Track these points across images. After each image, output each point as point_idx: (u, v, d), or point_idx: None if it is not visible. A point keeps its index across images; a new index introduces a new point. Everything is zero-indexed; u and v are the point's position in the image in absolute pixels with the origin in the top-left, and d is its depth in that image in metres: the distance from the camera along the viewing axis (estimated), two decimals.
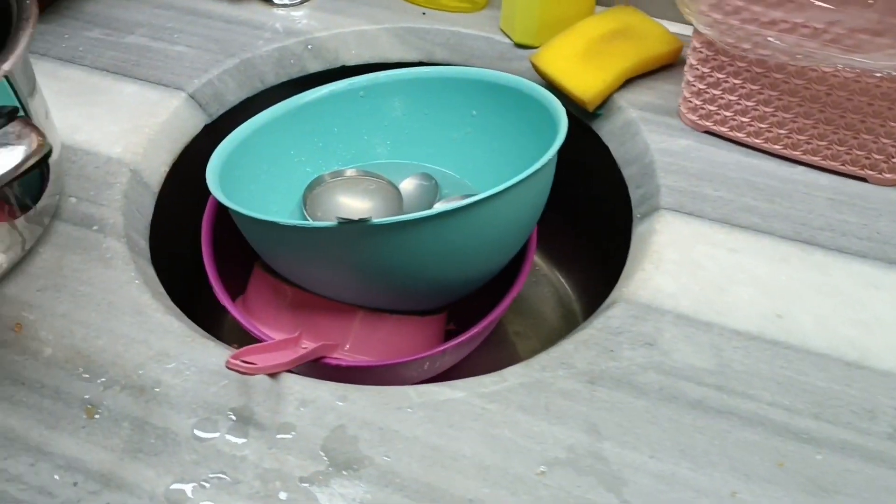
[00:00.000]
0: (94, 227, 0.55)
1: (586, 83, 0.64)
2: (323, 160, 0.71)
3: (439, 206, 0.67)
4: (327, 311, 0.60)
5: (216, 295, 0.59)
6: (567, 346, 0.49)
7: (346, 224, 0.51)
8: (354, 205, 0.69)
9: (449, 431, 0.44)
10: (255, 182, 0.66)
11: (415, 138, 0.72)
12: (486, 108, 0.68)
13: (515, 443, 0.44)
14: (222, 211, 0.64)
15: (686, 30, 0.71)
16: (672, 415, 0.45)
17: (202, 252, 0.61)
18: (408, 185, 0.70)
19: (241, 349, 0.47)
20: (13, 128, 0.39)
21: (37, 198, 0.51)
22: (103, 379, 0.46)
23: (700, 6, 0.55)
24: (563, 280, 0.79)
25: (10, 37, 0.45)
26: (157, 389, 0.46)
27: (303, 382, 0.47)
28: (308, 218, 0.66)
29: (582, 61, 0.65)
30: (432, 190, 0.69)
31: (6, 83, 0.45)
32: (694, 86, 0.60)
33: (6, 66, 0.43)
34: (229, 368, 0.44)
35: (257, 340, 0.58)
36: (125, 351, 0.48)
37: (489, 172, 0.69)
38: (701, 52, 0.58)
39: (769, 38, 0.53)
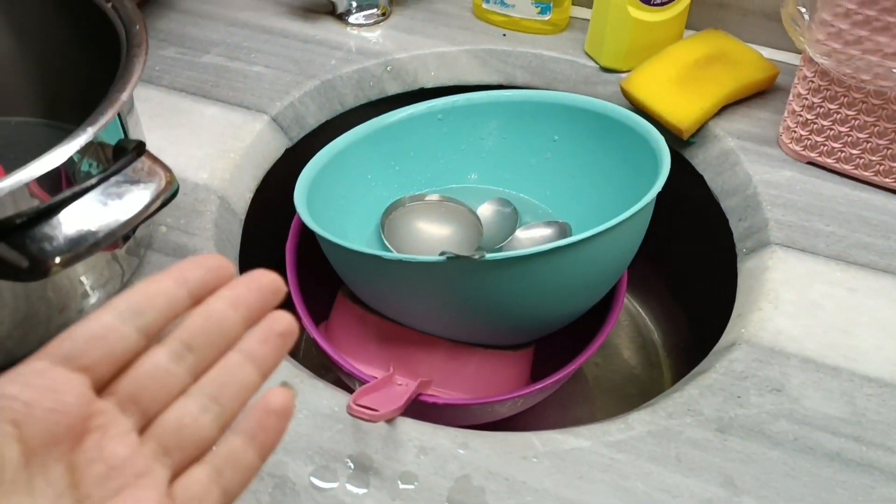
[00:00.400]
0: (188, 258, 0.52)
1: (682, 110, 0.62)
2: (399, 184, 0.69)
3: (521, 234, 0.65)
4: (414, 343, 0.58)
5: (304, 326, 0.57)
6: (692, 392, 0.47)
7: (456, 259, 0.49)
8: (434, 230, 0.67)
9: (579, 483, 0.42)
10: (335, 208, 0.64)
11: (492, 163, 0.70)
12: (569, 133, 0.66)
13: (650, 496, 0.42)
14: (304, 238, 0.62)
15: (778, 55, 0.69)
16: (810, 468, 0.43)
17: (288, 281, 0.59)
18: (485, 211, 0.68)
19: (355, 393, 0.45)
20: (142, 164, 0.38)
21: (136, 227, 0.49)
22: None
23: (817, 35, 0.53)
24: (639, 308, 0.77)
25: (123, 64, 0.43)
26: None
27: (420, 428, 0.45)
28: (386, 242, 0.64)
29: (677, 87, 0.63)
30: (512, 216, 0.67)
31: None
32: (801, 115, 0.58)
33: (123, 96, 0.41)
34: (352, 415, 0.42)
35: (340, 370, 0.56)
36: None
37: (569, 199, 0.67)
38: (813, 81, 0.56)
39: (894, 70, 0.51)
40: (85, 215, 0.36)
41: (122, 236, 0.47)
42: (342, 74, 0.68)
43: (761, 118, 0.64)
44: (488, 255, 0.47)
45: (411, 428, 0.45)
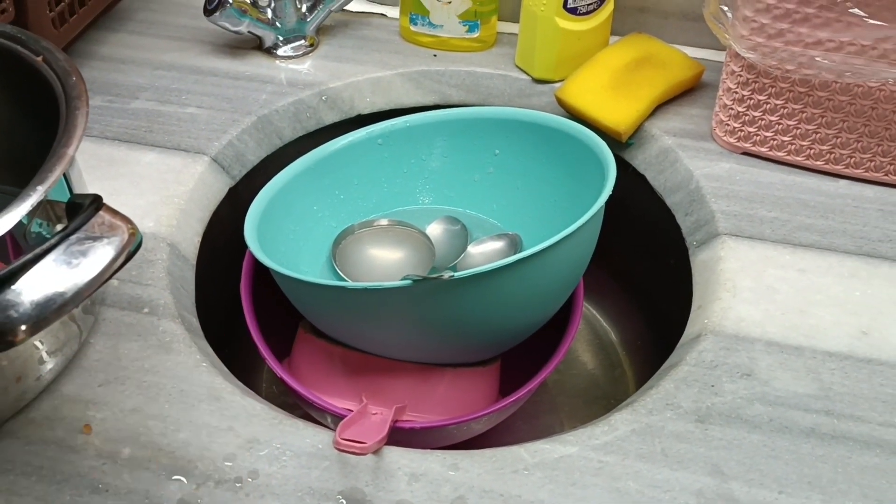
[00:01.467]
0: (145, 310, 0.51)
1: (619, 114, 0.64)
2: (346, 213, 0.68)
3: (472, 249, 0.66)
4: (383, 371, 0.57)
5: (269, 366, 0.56)
6: (668, 386, 0.48)
7: (423, 281, 0.49)
8: (386, 255, 0.67)
9: (572, 490, 0.42)
10: (285, 243, 0.63)
11: (437, 182, 0.70)
12: (509, 146, 0.67)
13: (643, 494, 0.42)
14: (256, 276, 0.61)
15: (699, 53, 0.72)
16: (789, 446, 0.44)
17: (247, 322, 0.58)
18: (434, 231, 0.68)
19: (339, 428, 0.45)
20: (101, 218, 0.36)
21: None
22: (194, 476, 0.43)
23: (741, 31, 0.56)
24: (593, 311, 0.78)
25: (65, 118, 0.42)
26: (254, 480, 0.43)
27: (408, 455, 0.44)
28: (339, 272, 0.63)
29: (610, 92, 0.65)
30: (461, 233, 0.68)
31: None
32: (732, 109, 0.61)
33: (70, 151, 0.40)
34: (340, 450, 0.42)
35: (311, 406, 0.55)
36: (210, 442, 0.44)
37: (516, 211, 0.68)
38: (741, 75, 0.59)
39: (816, 58, 0.53)
40: (49, 278, 0.34)
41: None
42: (278, 108, 0.68)
43: (693, 115, 0.66)
44: (457, 274, 0.47)
45: (399, 456, 0.44)
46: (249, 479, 0.43)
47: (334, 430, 0.45)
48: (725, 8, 0.56)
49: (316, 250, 0.66)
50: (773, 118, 0.59)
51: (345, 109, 0.70)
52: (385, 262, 0.66)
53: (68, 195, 0.44)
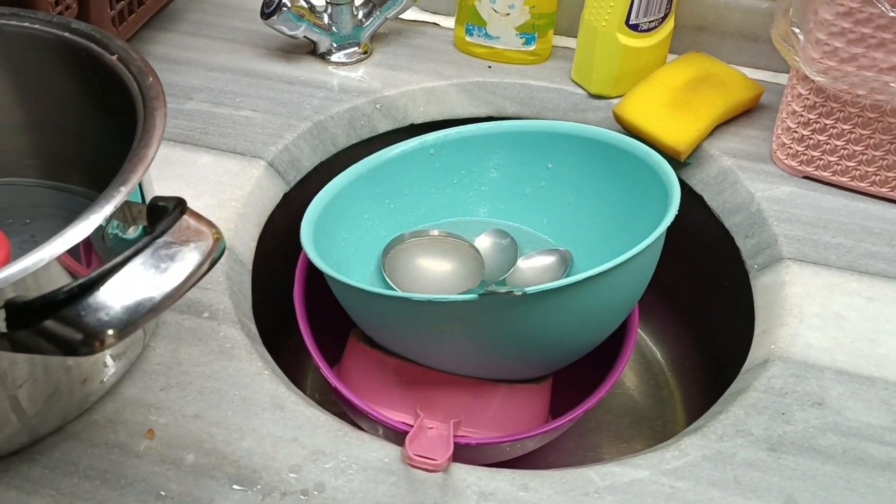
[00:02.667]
0: (205, 315, 0.50)
1: (678, 132, 0.63)
2: (394, 222, 0.68)
3: (522, 264, 0.65)
4: (438, 384, 0.57)
5: (323, 374, 0.55)
6: (737, 412, 0.47)
7: (491, 296, 0.48)
8: (435, 266, 0.66)
9: None
10: (338, 251, 0.63)
11: (487, 194, 0.69)
12: (563, 161, 0.66)
13: None
14: (309, 283, 0.61)
15: (756, 74, 0.71)
16: (865, 479, 0.44)
17: (300, 329, 0.57)
18: (483, 244, 0.67)
19: (408, 442, 0.44)
20: (186, 223, 0.36)
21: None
22: (259, 486, 0.42)
23: (812, 54, 0.55)
24: (639, 329, 0.77)
25: (144, 119, 0.41)
26: (321, 493, 0.42)
27: (476, 473, 0.43)
28: (388, 281, 0.63)
29: (670, 110, 0.64)
30: (511, 248, 0.67)
31: None
32: (796, 132, 0.60)
33: (151, 152, 0.39)
34: (413, 466, 0.41)
35: (364, 417, 0.54)
36: (275, 452, 0.44)
37: (567, 226, 0.67)
38: (808, 98, 0.58)
39: (890, 84, 0.53)
40: (138, 282, 0.33)
41: None
42: (333, 115, 0.67)
43: (752, 136, 0.66)
44: (528, 289, 0.46)
45: (467, 473, 0.43)
46: (316, 492, 0.42)
47: (386, 442, 0.44)
48: (797, 30, 0.56)
49: (366, 258, 0.65)
50: (838, 143, 0.59)
51: (398, 118, 0.70)
52: (434, 274, 0.65)
53: (140, 197, 0.44)
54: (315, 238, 0.59)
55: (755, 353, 0.52)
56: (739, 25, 0.71)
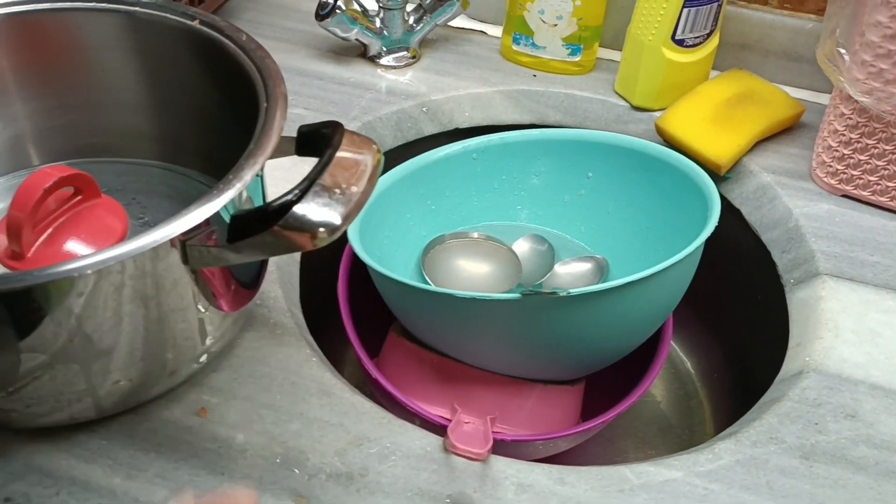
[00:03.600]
0: (257, 302, 0.52)
1: (719, 147, 0.64)
2: (435, 223, 0.69)
3: (559, 269, 0.66)
4: (475, 381, 0.58)
5: (364, 367, 0.57)
6: (771, 420, 0.48)
7: (535, 296, 0.50)
8: (473, 268, 0.67)
9: None
10: (380, 247, 0.65)
11: (526, 200, 0.71)
12: (603, 170, 0.68)
13: None
14: (352, 278, 0.62)
15: (798, 93, 0.72)
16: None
17: (343, 321, 0.59)
18: (520, 248, 0.69)
19: (450, 433, 0.45)
20: (350, 137, 0.40)
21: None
22: (306, 467, 0.44)
23: (857, 75, 0.56)
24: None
25: (266, 110, 0.43)
26: (366, 477, 0.44)
27: (515, 466, 0.45)
28: (427, 279, 0.64)
29: (712, 124, 0.65)
30: (548, 253, 0.68)
31: None
32: (836, 151, 0.61)
33: (274, 137, 0.42)
34: (457, 454, 0.42)
35: (402, 408, 0.56)
36: (321, 435, 0.45)
37: (604, 234, 0.69)
38: (850, 118, 0.59)
39: None
40: (332, 186, 0.38)
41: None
42: (381, 116, 0.69)
43: (792, 153, 0.67)
44: (573, 291, 0.48)
45: (506, 465, 0.45)
46: (360, 476, 0.44)
47: (428, 431, 0.46)
48: (843, 51, 0.57)
49: (406, 256, 0.67)
50: (879, 163, 0.59)
51: (444, 122, 0.72)
52: (472, 274, 0.67)
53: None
54: (360, 234, 0.60)
55: (789, 365, 0.53)
56: (783, 45, 0.72)
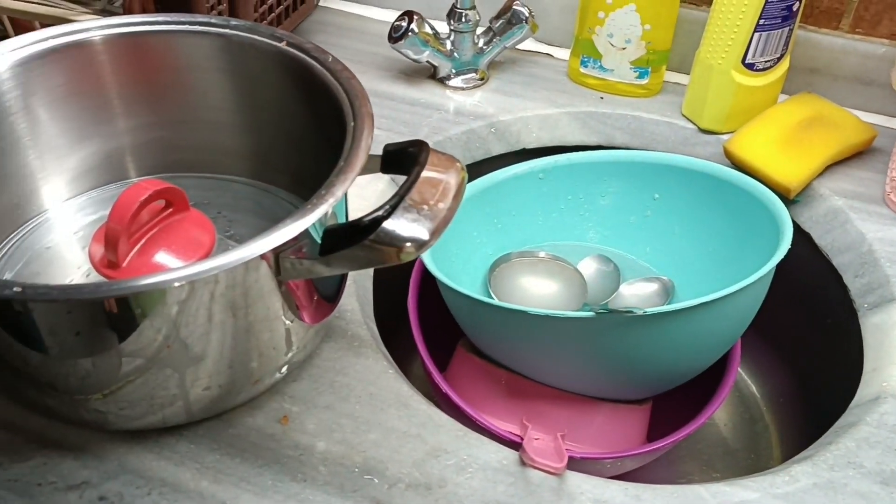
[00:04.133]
0: (336, 315, 0.54)
1: (789, 170, 0.64)
2: (500, 241, 0.70)
3: (624, 290, 0.67)
4: (544, 397, 0.59)
5: (433, 380, 0.58)
6: (849, 444, 0.48)
7: (608, 314, 0.50)
8: (539, 287, 0.68)
9: None
10: (448, 264, 0.66)
11: (592, 220, 0.71)
12: (670, 192, 0.68)
13: None
14: (423, 291, 0.64)
15: (868, 117, 0.72)
16: None
17: (413, 336, 0.60)
18: (586, 268, 0.69)
19: (526, 447, 0.46)
20: (436, 156, 0.41)
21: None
22: (385, 476, 0.45)
23: None
24: None
25: (354, 131, 0.45)
26: (444, 488, 0.44)
27: (591, 482, 0.45)
28: (494, 297, 0.65)
29: (782, 148, 0.66)
30: (614, 274, 0.69)
31: None
32: None
33: (360, 160, 0.43)
34: (535, 467, 0.43)
35: (472, 423, 0.57)
36: (400, 446, 0.46)
37: (670, 256, 0.69)
38: None
39: None
40: (419, 203, 0.39)
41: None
42: (451, 136, 0.70)
43: (863, 178, 0.66)
44: (649, 310, 0.48)
45: (582, 481, 0.45)
46: (438, 487, 0.44)
47: (503, 445, 0.46)
48: None
49: (473, 273, 0.68)
50: None
51: (511, 142, 0.73)
52: (538, 293, 0.68)
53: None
54: (430, 250, 0.62)
55: (864, 391, 0.53)
56: (854, 69, 0.72)
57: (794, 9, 0.65)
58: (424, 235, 0.39)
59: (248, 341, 0.44)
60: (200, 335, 0.41)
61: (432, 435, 0.47)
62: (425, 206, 0.40)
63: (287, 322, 0.45)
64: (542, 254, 0.69)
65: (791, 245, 0.67)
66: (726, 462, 0.70)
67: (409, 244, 0.39)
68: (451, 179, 0.41)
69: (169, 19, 0.51)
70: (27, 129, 0.48)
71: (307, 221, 0.40)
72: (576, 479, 0.45)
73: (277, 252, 0.41)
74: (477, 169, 0.72)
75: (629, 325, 0.51)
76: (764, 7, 0.64)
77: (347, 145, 0.45)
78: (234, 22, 0.52)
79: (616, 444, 0.60)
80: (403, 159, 0.44)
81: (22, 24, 0.63)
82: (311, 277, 0.43)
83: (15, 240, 0.52)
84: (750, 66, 0.67)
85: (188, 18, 0.52)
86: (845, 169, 0.67)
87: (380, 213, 0.39)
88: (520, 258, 0.69)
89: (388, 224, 0.39)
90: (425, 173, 0.41)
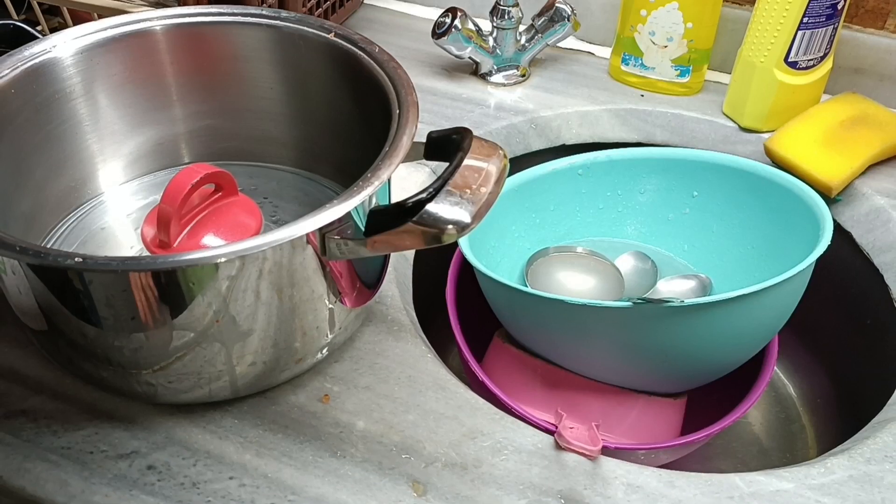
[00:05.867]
0: (376, 299, 0.55)
1: (831, 169, 0.64)
2: (538, 236, 0.71)
3: (661, 286, 0.67)
4: (580, 388, 0.59)
5: (470, 368, 0.59)
6: (886, 438, 0.48)
7: (645, 304, 0.51)
8: (576, 281, 0.69)
9: None
10: (486, 256, 0.67)
11: (630, 217, 0.72)
12: (709, 189, 0.68)
13: None
14: (461, 281, 0.64)
15: None
16: None
17: (451, 324, 0.61)
18: (623, 265, 0.70)
19: (561, 431, 0.47)
20: (479, 142, 0.42)
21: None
22: (422, 455, 0.46)
23: None
24: None
25: (398, 122, 0.46)
26: (479, 468, 0.45)
27: (625, 467, 0.46)
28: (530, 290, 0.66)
29: (823, 147, 0.65)
30: (651, 271, 0.69)
31: None
32: None
33: (403, 148, 0.44)
34: (569, 449, 0.44)
35: (508, 412, 0.57)
36: (437, 427, 0.47)
37: (708, 253, 0.69)
38: None
39: None
40: (463, 187, 0.40)
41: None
42: (491, 130, 0.71)
43: None
44: (687, 301, 0.49)
45: (615, 466, 0.46)
46: (474, 467, 0.45)
47: (538, 430, 0.47)
48: None
49: (511, 267, 0.69)
50: None
51: (551, 138, 0.74)
52: (575, 288, 0.68)
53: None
54: (469, 241, 0.63)
55: None
56: None
57: (839, 7, 0.65)
58: (466, 218, 0.40)
59: (292, 320, 0.45)
60: (248, 312, 0.43)
61: (469, 417, 0.48)
62: (468, 191, 0.41)
63: (329, 304, 0.47)
64: (579, 249, 0.70)
65: (832, 244, 0.67)
66: (760, 461, 0.70)
67: (451, 226, 0.40)
68: (493, 166, 0.42)
69: (223, 10, 0.53)
70: (87, 115, 0.50)
71: (353, 203, 0.41)
72: (610, 464, 0.46)
73: (323, 232, 0.42)
74: (517, 164, 0.72)
75: (666, 316, 0.51)
76: (808, 5, 0.64)
77: (392, 131, 0.46)
78: (284, 14, 0.53)
79: (650, 436, 0.60)
80: (447, 146, 0.45)
81: (80, 14, 0.65)
82: (355, 257, 0.45)
83: (71, 220, 0.54)
84: (793, 65, 0.67)
85: (241, 10, 0.54)
86: (889, 168, 0.67)
87: (423, 195, 0.41)
88: (557, 253, 0.69)
89: (432, 206, 0.40)
90: (468, 160, 0.42)
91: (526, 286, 0.67)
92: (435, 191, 0.41)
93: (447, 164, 0.42)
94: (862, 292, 0.64)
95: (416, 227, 0.40)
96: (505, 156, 0.43)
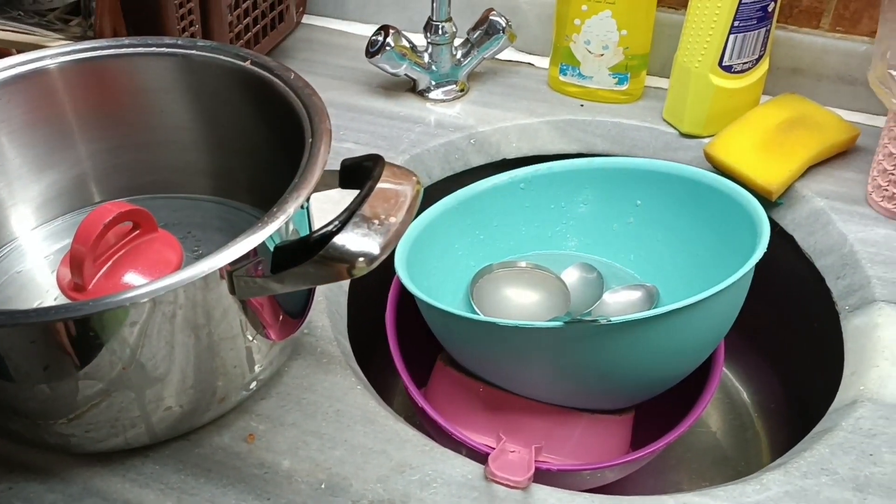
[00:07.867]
0: (305, 331, 0.54)
1: (770, 172, 0.64)
2: (483, 252, 0.70)
3: (608, 298, 0.66)
4: (522, 410, 0.58)
5: (410, 395, 0.58)
6: (822, 450, 0.47)
7: (577, 324, 0.50)
8: (521, 297, 0.68)
9: None
10: (428, 277, 0.65)
11: (575, 229, 0.71)
12: (652, 198, 0.67)
13: None
14: (401, 307, 0.63)
15: (852, 116, 0.71)
16: None
17: (391, 351, 0.60)
18: (569, 277, 0.69)
19: (491, 461, 0.46)
20: (390, 170, 0.41)
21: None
22: (349, 493, 0.45)
23: None
24: (725, 369, 0.77)
25: (311, 147, 0.45)
26: (407, 503, 0.44)
27: (557, 494, 0.45)
28: (476, 309, 0.65)
29: (762, 150, 0.65)
30: (597, 282, 0.68)
31: None
32: (892, 174, 0.60)
33: (318, 170, 0.43)
34: (495, 482, 0.43)
35: (448, 438, 0.56)
36: (364, 462, 0.46)
37: (654, 262, 0.68)
38: None
39: None
40: (371, 217, 0.39)
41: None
42: (430, 148, 0.70)
43: (846, 178, 0.65)
44: (614, 319, 0.48)
45: (547, 494, 0.45)
46: (401, 503, 0.44)
47: (469, 459, 0.46)
48: (894, 72, 0.56)
49: (455, 286, 0.68)
50: None
51: (491, 153, 0.73)
52: (521, 304, 0.67)
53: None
54: (408, 264, 0.61)
55: (843, 395, 0.52)
56: (836, 68, 0.71)
57: (770, 9, 0.64)
58: (375, 250, 0.39)
59: (211, 360, 0.44)
60: (161, 357, 0.41)
61: (398, 450, 0.47)
62: (376, 221, 0.40)
63: (251, 340, 0.45)
64: (523, 264, 0.69)
65: (775, 248, 0.66)
66: (717, 470, 0.69)
67: (360, 259, 0.39)
68: (406, 192, 0.41)
69: (135, 42, 0.52)
70: None
71: (256, 240, 0.40)
72: (542, 492, 0.45)
73: (231, 270, 0.41)
74: (457, 181, 0.71)
75: (600, 334, 0.50)
76: (738, 8, 0.63)
77: (304, 162, 0.45)
78: (200, 43, 0.52)
79: (597, 455, 0.59)
80: (360, 174, 0.44)
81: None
82: (266, 295, 0.43)
83: None
84: (727, 69, 0.66)
85: (155, 41, 0.52)
86: (828, 169, 0.66)
87: (330, 228, 0.39)
88: (502, 269, 0.68)
89: (339, 239, 0.39)
90: (379, 186, 0.41)
91: (471, 305, 0.66)
92: (341, 223, 0.39)
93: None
94: (806, 296, 0.63)
95: (324, 262, 0.39)
96: (418, 182, 0.42)
